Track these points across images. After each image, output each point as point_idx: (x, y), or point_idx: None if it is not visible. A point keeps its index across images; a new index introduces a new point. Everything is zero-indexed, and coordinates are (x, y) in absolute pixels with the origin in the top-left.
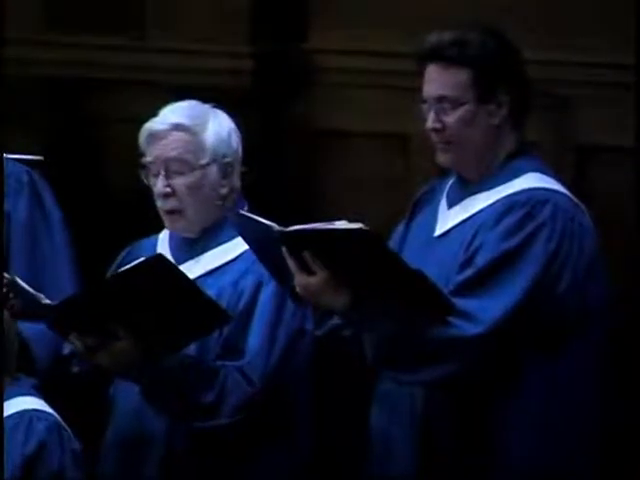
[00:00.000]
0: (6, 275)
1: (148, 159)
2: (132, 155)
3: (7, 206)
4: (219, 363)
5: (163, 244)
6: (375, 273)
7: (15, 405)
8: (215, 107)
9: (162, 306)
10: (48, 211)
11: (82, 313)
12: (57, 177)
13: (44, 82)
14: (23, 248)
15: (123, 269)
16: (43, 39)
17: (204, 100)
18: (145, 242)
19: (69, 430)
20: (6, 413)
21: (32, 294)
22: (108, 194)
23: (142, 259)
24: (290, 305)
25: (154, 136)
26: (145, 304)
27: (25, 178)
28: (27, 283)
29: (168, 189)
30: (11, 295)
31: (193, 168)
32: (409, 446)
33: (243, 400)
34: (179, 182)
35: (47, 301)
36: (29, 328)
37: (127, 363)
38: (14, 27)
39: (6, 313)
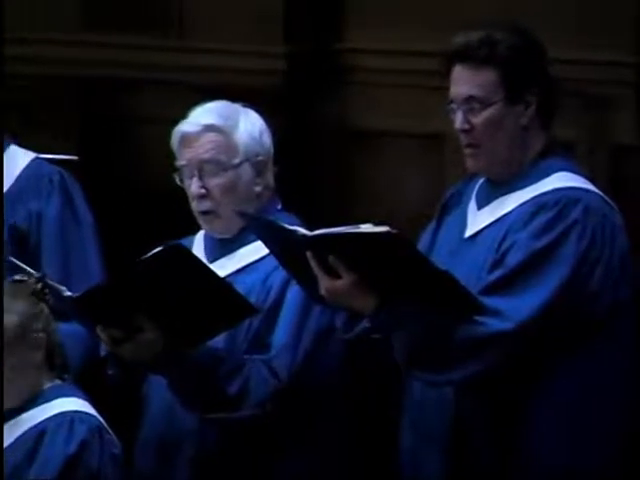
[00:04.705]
0: (30, 270)
1: (182, 162)
2: (166, 156)
3: (39, 205)
4: (246, 357)
5: (199, 244)
6: (402, 275)
7: (58, 406)
8: (245, 106)
9: (185, 297)
10: (78, 210)
11: (104, 305)
12: (88, 177)
13: (76, 82)
14: (54, 246)
15: (141, 258)
16: (76, 39)
17: (237, 100)
18: (183, 242)
19: (112, 433)
20: (49, 414)
21: (54, 287)
22: (140, 195)
23: (159, 248)
24: None
25: (186, 138)
26: (168, 295)
27: (57, 178)
28: (57, 280)
29: (203, 190)
30: (46, 291)
31: (227, 168)
32: (439, 452)
33: (268, 393)
34: (213, 183)
35: (68, 293)
36: (63, 329)
37: (152, 355)
38: (45, 27)
39: (47, 309)
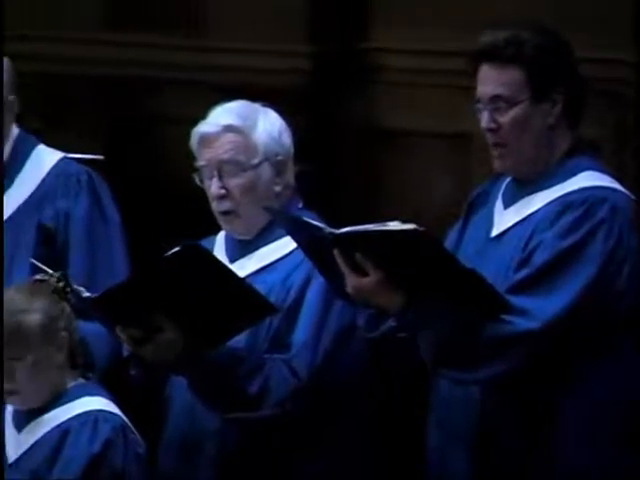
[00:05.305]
0: (49, 270)
1: (201, 162)
2: (187, 156)
3: (67, 204)
4: (266, 356)
5: (220, 244)
6: (429, 273)
7: (82, 405)
8: (265, 106)
9: (204, 296)
10: (105, 210)
11: (123, 305)
12: (112, 176)
13: (99, 81)
14: (81, 246)
15: (160, 258)
16: (98, 38)
17: (261, 100)
18: (203, 243)
19: (136, 433)
20: (72, 413)
21: (74, 288)
22: (162, 194)
23: (177, 248)
24: (339, 300)
25: (205, 139)
26: (187, 295)
27: (85, 178)
28: (84, 279)
29: (222, 191)
30: (68, 290)
31: (246, 168)
32: (466, 451)
33: (288, 392)
34: (233, 183)
35: (87, 294)
36: (87, 328)
37: (171, 355)
38: (69, 27)
39: (69, 308)
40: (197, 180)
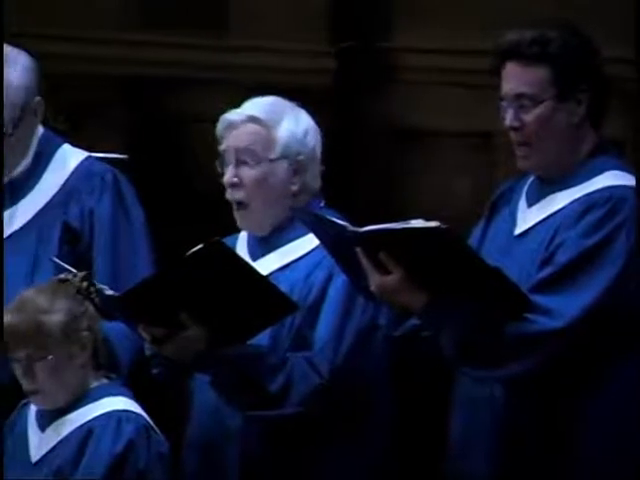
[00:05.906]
0: (72, 270)
1: (222, 147)
2: (212, 154)
3: (91, 203)
4: (288, 354)
5: (242, 242)
6: (452, 271)
7: (105, 405)
8: (298, 105)
9: (226, 294)
10: (130, 209)
11: (146, 303)
12: (137, 175)
13: (126, 81)
14: (105, 245)
15: (184, 257)
16: (124, 38)
17: (285, 99)
18: (226, 241)
19: (159, 432)
20: (95, 413)
21: (97, 286)
22: (187, 193)
23: (200, 246)
24: (361, 298)
25: (230, 126)
26: (210, 293)
27: (109, 177)
28: (107, 278)
29: (235, 179)
30: (92, 289)
31: (260, 160)
32: (487, 449)
33: (310, 390)
34: (246, 173)
35: (110, 292)
36: (111, 329)
37: (193, 352)
38: (95, 27)
39: (93, 307)
40: (218, 167)
